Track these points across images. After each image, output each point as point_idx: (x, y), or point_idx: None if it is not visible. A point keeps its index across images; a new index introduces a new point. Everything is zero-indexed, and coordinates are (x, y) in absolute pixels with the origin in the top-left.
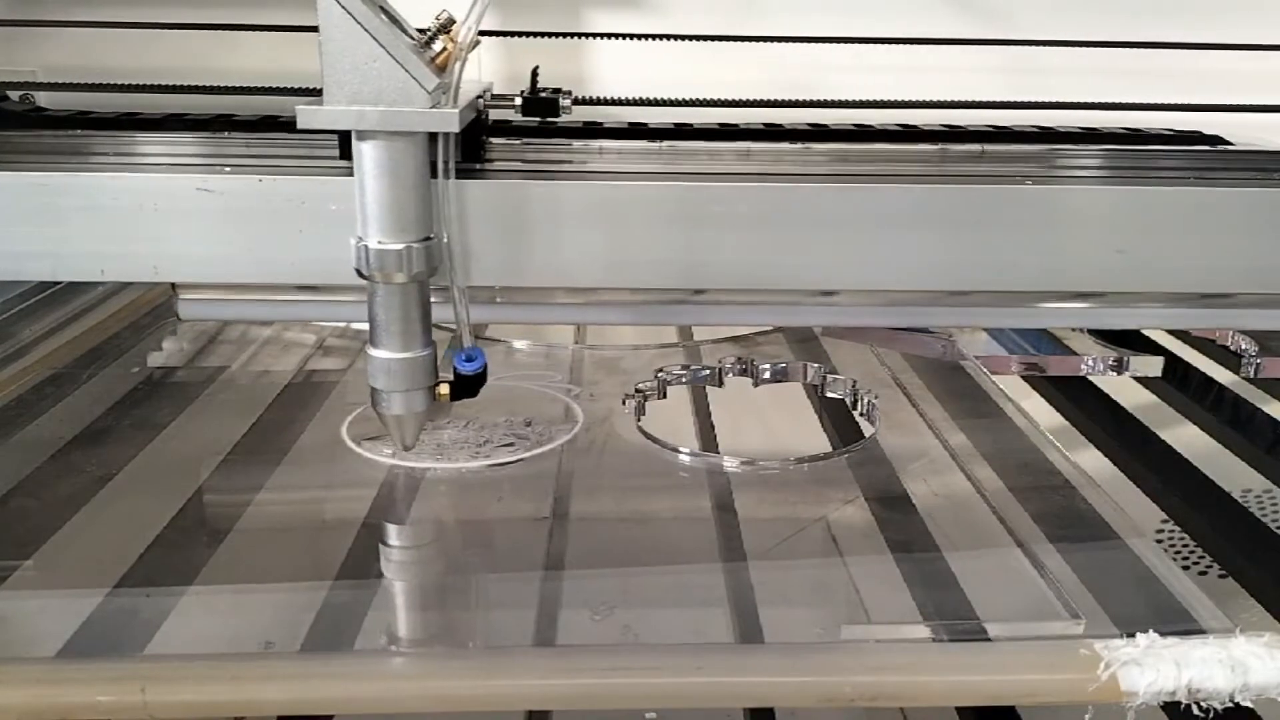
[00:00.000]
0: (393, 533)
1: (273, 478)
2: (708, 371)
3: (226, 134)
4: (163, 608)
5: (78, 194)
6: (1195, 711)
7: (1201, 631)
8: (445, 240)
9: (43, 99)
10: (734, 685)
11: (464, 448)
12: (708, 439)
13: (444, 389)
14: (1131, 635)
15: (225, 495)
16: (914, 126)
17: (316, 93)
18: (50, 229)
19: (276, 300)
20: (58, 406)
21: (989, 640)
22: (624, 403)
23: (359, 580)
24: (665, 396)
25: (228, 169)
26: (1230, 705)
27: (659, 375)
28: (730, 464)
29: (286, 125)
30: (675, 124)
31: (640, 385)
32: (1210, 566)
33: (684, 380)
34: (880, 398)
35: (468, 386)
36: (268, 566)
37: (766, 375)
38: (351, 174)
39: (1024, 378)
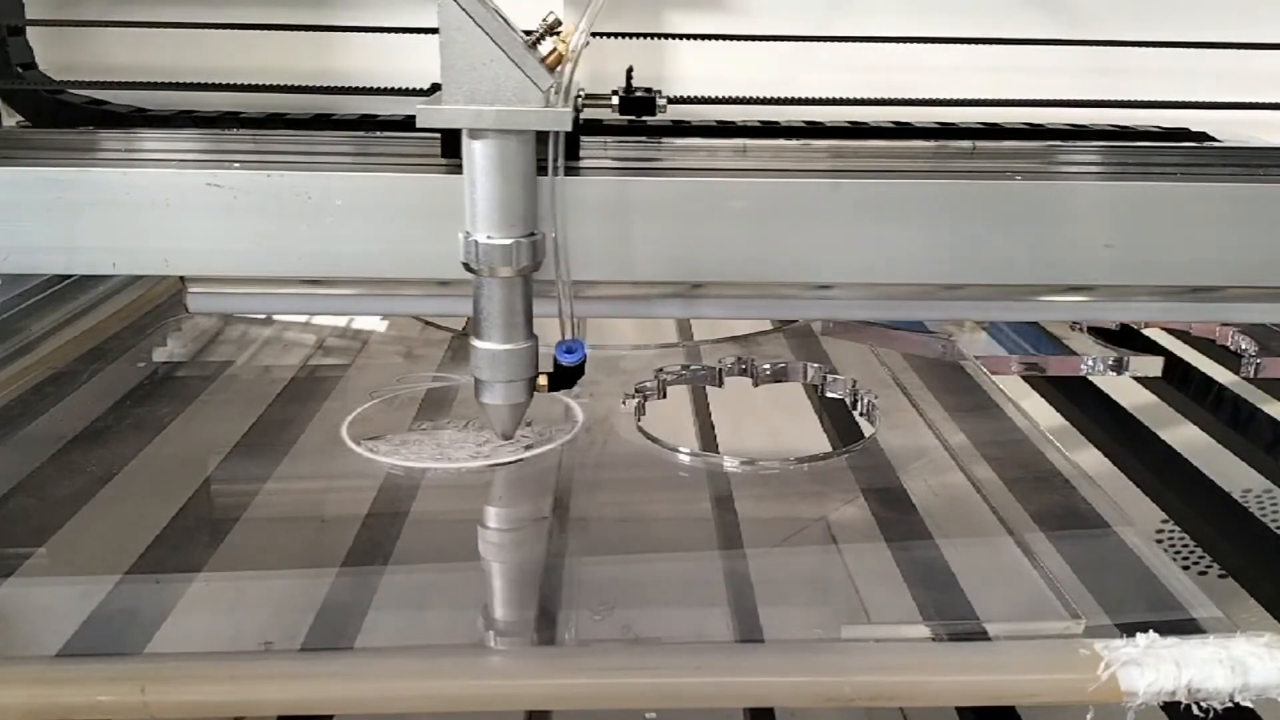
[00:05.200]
0: (392, 534)
1: (272, 478)
2: (708, 371)
3: (234, 130)
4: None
5: (90, 189)
6: (1195, 711)
7: (1201, 631)
8: (553, 236)
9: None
10: (734, 685)
11: (464, 448)
12: (708, 439)
13: (543, 380)
14: (1131, 635)
15: (222, 496)
16: (907, 124)
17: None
18: (64, 223)
19: (282, 293)
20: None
21: (989, 640)
22: (624, 403)
23: (357, 580)
24: (665, 396)
25: (236, 164)
26: (1230, 705)
27: (659, 375)
28: (730, 464)
29: (292, 123)
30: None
31: (640, 385)
32: (1210, 566)
33: (684, 380)
34: (880, 398)
35: (566, 377)
36: (265, 562)
37: (767, 375)
38: (357, 170)
39: (1024, 378)
